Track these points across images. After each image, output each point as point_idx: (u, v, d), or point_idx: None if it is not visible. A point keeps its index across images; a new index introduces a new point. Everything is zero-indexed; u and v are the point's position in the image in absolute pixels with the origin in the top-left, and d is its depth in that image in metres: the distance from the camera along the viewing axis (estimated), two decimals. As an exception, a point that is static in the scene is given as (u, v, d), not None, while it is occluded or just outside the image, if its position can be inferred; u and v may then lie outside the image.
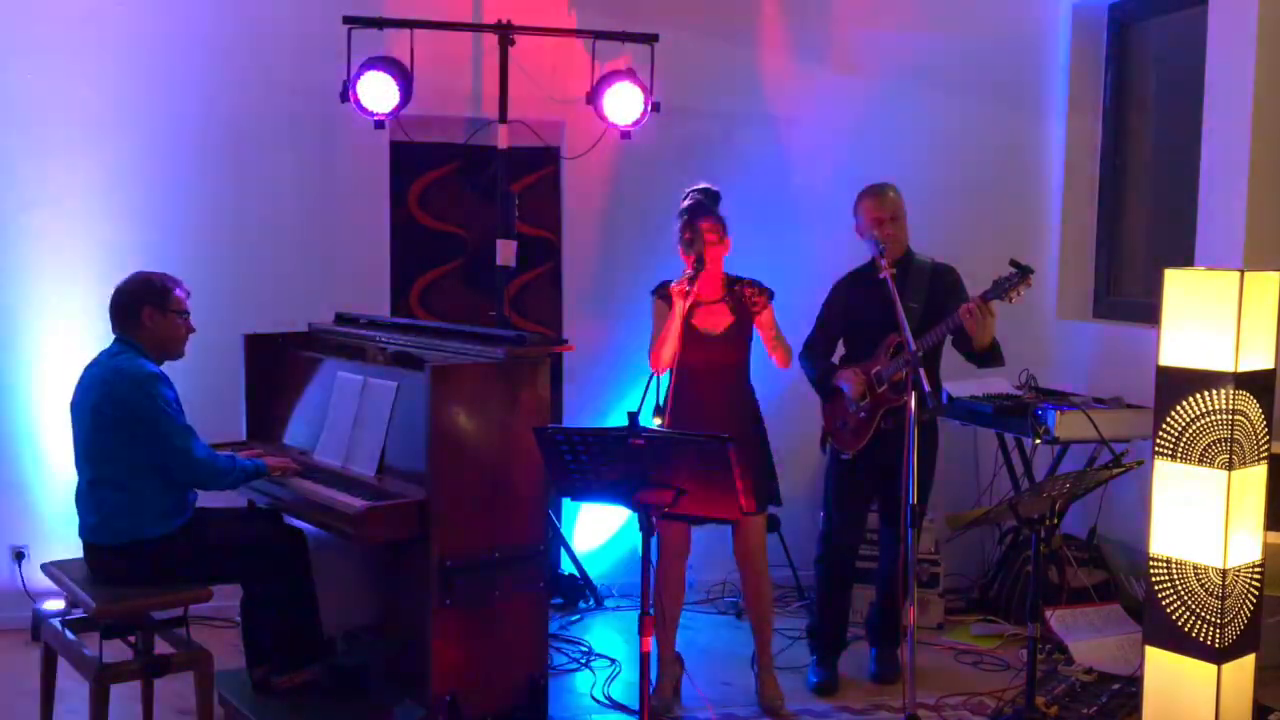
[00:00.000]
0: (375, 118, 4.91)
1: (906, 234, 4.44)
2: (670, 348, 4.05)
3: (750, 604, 4.40)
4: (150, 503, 3.76)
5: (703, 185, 4.29)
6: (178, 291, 3.94)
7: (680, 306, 4.04)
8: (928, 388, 3.69)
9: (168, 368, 3.92)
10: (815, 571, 4.63)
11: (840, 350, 4.61)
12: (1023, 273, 4.11)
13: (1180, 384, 3.70)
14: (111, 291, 3.92)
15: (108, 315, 3.92)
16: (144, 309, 3.87)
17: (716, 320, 4.17)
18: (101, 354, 3.90)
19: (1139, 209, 5.81)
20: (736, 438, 3.01)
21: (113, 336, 3.92)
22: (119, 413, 3.74)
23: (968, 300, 4.20)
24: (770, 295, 4.23)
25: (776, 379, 4.48)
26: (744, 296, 4.19)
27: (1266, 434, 3.75)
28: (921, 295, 4.34)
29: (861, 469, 4.45)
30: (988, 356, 4.36)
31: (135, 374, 3.77)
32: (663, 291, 4.19)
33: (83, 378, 3.88)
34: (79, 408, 3.86)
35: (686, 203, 4.22)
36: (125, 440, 3.74)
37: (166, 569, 3.77)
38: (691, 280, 4.04)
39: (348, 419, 4.09)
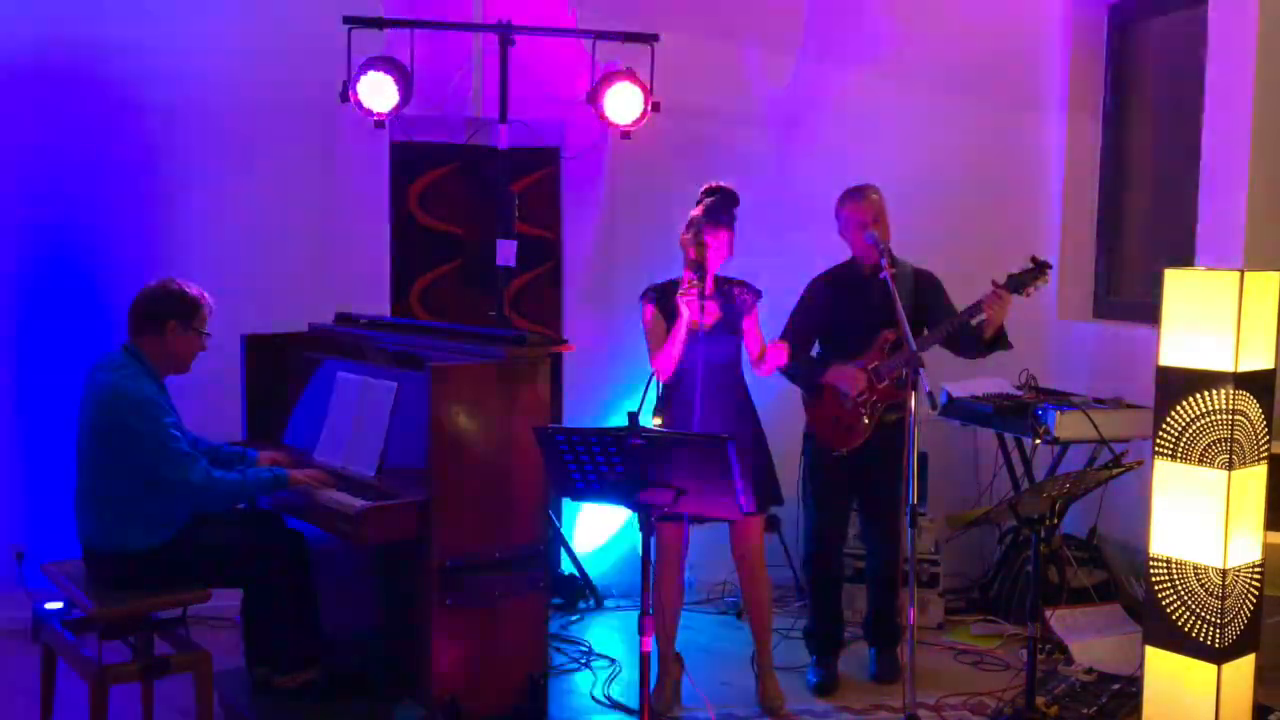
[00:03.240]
0: (375, 118, 4.90)
1: (888, 236, 4.44)
2: (676, 353, 4.04)
3: (749, 605, 4.39)
4: (147, 514, 3.76)
5: (722, 186, 4.17)
6: (205, 309, 3.92)
7: (686, 315, 3.99)
8: (928, 387, 3.71)
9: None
10: (804, 573, 4.64)
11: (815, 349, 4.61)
12: (1040, 268, 4.18)
13: (1180, 384, 3.70)
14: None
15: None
16: (169, 322, 3.85)
17: (705, 316, 4.10)
18: (106, 360, 3.87)
19: (1139, 209, 5.81)
20: (732, 436, 3.02)
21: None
22: (119, 436, 3.73)
23: (952, 308, 4.29)
24: (758, 295, 4.21)
25: (775, 378, 4.48)
26: (733, 296, 4.18)
27: (1266, 434, 3.75)
28: (906, 298, 4.34)
29: (845, 467, 4.45)
30: (997, 340, 4.38)
31: (137, 398, 3.74)
32: (652, 295, 4.17)
33: (87, 384, 3.86)
34: (82, 416, 3.84)
35: (702, 204, 4.14)
36: (123, 461, 3.73)
37: (166, 574, 3.77)
38: (700, 291, 3.95)
39: (348, 419, 4.08)
